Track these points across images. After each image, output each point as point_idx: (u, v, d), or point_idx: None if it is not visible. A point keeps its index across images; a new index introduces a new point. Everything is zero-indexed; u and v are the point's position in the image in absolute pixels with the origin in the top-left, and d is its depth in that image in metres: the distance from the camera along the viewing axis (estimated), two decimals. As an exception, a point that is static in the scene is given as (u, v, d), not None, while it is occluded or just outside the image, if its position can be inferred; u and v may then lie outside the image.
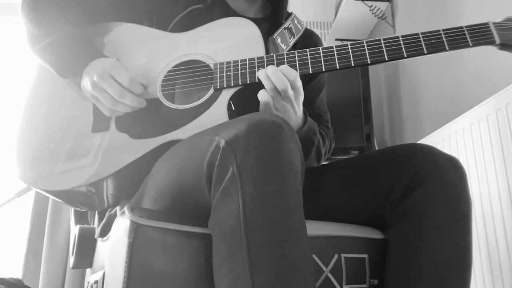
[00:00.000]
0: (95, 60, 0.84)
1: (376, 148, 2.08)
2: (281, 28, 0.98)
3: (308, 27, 1.11)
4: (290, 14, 1.04)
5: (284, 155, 0.59)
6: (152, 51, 0.89)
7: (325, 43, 2.16)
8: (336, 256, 0.75)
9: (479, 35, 0.78)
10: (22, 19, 0.92)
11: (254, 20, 0.91)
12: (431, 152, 0.79)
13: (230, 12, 0.99)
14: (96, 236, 0.92)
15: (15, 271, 2.03)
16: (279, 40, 0.96)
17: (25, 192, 1.21)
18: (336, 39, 2.41)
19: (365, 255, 0.78)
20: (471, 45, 0.77)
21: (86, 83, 0.83)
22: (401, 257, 0.75)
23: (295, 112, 0.81)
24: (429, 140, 1.54)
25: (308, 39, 1.06)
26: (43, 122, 0.88)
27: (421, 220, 0.75)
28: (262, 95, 0.77)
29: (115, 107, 0.81)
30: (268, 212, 0.56)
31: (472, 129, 1.30)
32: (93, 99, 0.83)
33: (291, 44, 0.98)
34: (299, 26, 1.03)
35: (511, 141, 1.14)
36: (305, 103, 0.86)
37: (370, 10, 2.18)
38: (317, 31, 2.58)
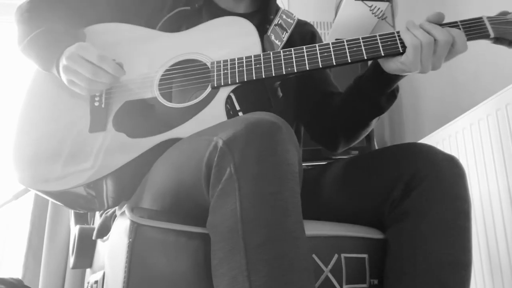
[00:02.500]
0: (67, 49, 0.84)
1: (376, 148, 2.08)
2: (272, 26, 0.98)
3: (308, 27, 1.11)
4: (278, 10, 1.05)
5: (282, 156, 0.59)
6: (149, 51, 0.89)
7: (325, 43, 2.15)
8: (336, 256, 0.75)
9: (473, 29, 0.78)
10: (15, 21, 0.94)
11: (244, 15, 0.91)
12: (430, 152, 0.79)
13: (219, 11, 0.99)
14: (93, 237, 0.92)
15: (15, 271, 2.03)
16: (273, 37, 0.97)
17: (23, 194, 1.20)
18: (336, 39, 2.40)
19: (365, 255, 0.78)
20: (466, 39, 0.77)
21: (60, 69, 0.84)
22: (401, 257, 0.75)
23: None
24: (429, 140, 1.54)
25: (303, 28, 1.07)
26: (40, 123, 0.87)
27: (421, 219, 0.75)
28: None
29: (92, 86, 0.82)
30: (266, 213, 0.56)
31: (472, 129, 1.30)
32: (69, 84, 0.84)
33: (285, 39, 0.98)
34: (289, 20, 1.03)
35: (511, 141, 1.14)
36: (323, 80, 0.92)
37: (370, 10, 2.17)
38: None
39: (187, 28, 0.92)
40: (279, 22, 1.00)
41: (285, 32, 0.99)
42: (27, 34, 0.89)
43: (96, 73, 0.80)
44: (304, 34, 1.06)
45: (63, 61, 0.82)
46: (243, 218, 0.56)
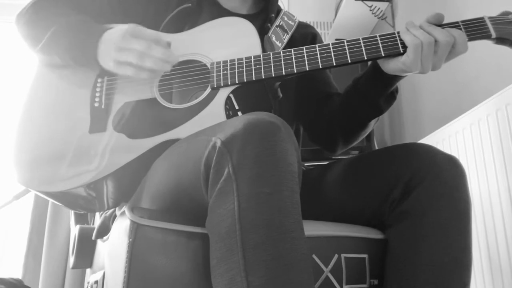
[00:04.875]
0: (107, 31, 0.82)
1: (376, 148, 2.08)
2: (273, 27, 0.98)
3: (308, 27, 1.11)
4: (280, 11, 1.05)
5: (281, 156, 0.59)
6: None
7: (325, 43, 2.16)
8: (336, 256, 0.75)
9: (475, 29, 0.78)
10: (19, 31, 0.92)
11: (247, 16, 0.91)
12: (430, 152, 0.79)
13: (222, 11, 0.99)
14: (93, 237, 0.92)
15: (15, 271, 2.03)
16: (273, 38, 0.96)
17: (23, 195, 1.20)
18: (336, 39, 2.40)
19: (365, 255, 0.78)
20: (467, 39, 0.77)
21: (106, 51, 0.80)
22: (401, 257, 0.75)
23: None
24: (429, 140, 1.54)
25: (304, 30, 1.06)
26: (41, 124, 0.87)
27: (421, 219, 0.75)
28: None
29: (143, 62, 0.77)
30: (264, 213, 0.56)
31: (472, 129, 1.30)
32: (115, 66, 0.80)
33: (285, 41, 0.98)
34: (290, 22, 1.03)
35: (511, 141, 1.14)
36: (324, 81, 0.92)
37: (370, 10, 2.17)
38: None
39: (191, 26, 0.91)
40: (280, 24, 1.00)
41: (286, 34, 0.99)
42: (42, 33, 0.86)
43: (151, 47, 0.77)
44: (305, 35, 1.06)
45: (114, 42, 0.78)
46: (241, 218, 0.56)
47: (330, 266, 0.74)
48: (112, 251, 0.76)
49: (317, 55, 0.80)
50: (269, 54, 0.81)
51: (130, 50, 0.77)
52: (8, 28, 2.43)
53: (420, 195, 0.76)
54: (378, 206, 0.81)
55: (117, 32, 0.80)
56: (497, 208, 1.18)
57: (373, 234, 0.81)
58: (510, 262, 1.13)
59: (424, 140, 1.57)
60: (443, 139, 1.45)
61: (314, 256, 0.73)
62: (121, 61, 0.79)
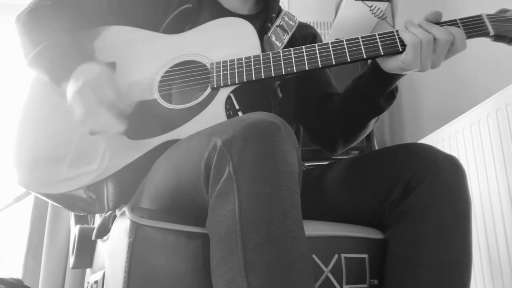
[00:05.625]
0: (84, 64, 0.82)
1: (376, 148, 2.08)
2: (274, 27, 0.98)
3: (308, 27, 1.11)
4: (280, 11, 1.05)
5: (281, 156, 0.59)
6: (148, 53, 0.89)
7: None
8: (336, 256, 0.75)
9: (473, 27, 0.78)
10: (16, 33, 0.92)
11: (247, 17, 0.91)
12: (430, 152, 0.79)
13: (222, 11, 0.99)
14: (93, 237, 0.92)
15: (15, 271, 2.03)
16: (273, 38, 0.96)
17: (24, 197, 1.20)
18: (336, 39, 2.40)
19: (365, 255, 0.78)
20: (465, 37, 0.77)
21: (70, 86, 0.81)
22: (401, 257, 0.75)
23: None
24: (429, 140, 1.54)
25: (304, 30, 1.06)
26: (41, 125, 0.87)
27: (421, 219, 0.75)
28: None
29: (87, 118, 0.78)
30: (264, 213, 0.56)
31: (472, 129, 1.30)
32: (71, 101, 0.80)
33: (285, 41, 0.98)
34: (290, 22, 1.03)
35: (511, 141, 1.14)
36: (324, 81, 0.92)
37: (370, 10, 2.17)
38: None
39: (191, 27, 0.91)
40: (280, 24, 1.00)
41: (286, 34, 0.99)
42: (33, 46, 0.87)
43: (95, 113, 0.77)
44: (305, 36, 1.05)
45: (78, 84, 0.79)
46: (241, 218, 0.56)
47: (330, 266, 0.74)
48: (112, 251, 0.76)
49: (316, 54, 0.80)
50: (269, 54, 0.81)
51: (83, 99, 0.77)
52: (8, 28, 2.43)
53: (420, 195, 0.75)
54: (378, 206, 0.81)
55: (86, 72, 0.79)
56: (497, 208, 1.18)
57: (373, 234, 0.81)
58: (510, 262, 1.13)
59: (424, 140, 1.57)
60: (443, 139, 1.45)
61: (314, 256, 0.73)
62: (74, 104, 0.79)
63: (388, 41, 0.78)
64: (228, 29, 0.89)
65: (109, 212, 0.88)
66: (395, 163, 0.81)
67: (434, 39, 0.75)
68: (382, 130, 2.34)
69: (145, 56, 0.89)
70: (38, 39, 0.88)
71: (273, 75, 0.80)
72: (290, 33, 1.01)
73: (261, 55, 0.82)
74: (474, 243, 1.24)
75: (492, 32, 0.78)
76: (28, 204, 2.09)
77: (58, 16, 0.92)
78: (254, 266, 0.54)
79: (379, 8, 2.19)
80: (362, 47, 0.79)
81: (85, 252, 1.01)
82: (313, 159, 1.75)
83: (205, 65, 0.85)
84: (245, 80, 0.80)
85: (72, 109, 0.80)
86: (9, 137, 0.88)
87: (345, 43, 0.80)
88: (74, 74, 0.81)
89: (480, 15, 0.79)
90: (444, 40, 0.75)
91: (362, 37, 0.79)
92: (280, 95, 0.92)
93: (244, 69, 0.81)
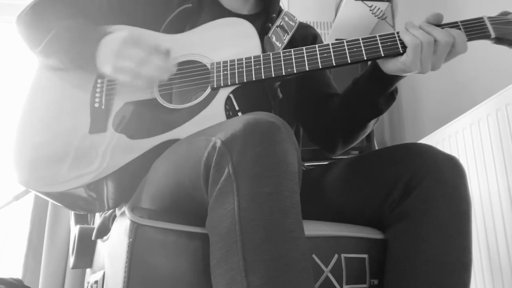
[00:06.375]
0: (107, 36, 0.82)
1: (376, 148, 2.08)
2: (274, 27, 0.98)
3: (308, 27, 1.11)
4: (281, 11, 1.05)
5: (280, 156, 0.59)
6: None
7: (325, 43, 2.16)
8: (336, 256, 0.75)
9: (474, 29, 0.78)
10: (19, 32, 0.92)
11: (248, 17, 0.91)
12: (430, 152, 0.79)
13: (223, 11, 0.99)
14: (93, 237, 0.92)
15: (15, 271, 2.03)
16: (273, 39, 0.96)
17: (23, 195, 1.20)
18: (336, 39, 2.41)
19: (365, 255, 0.78)
20: (467, 39, 0.77)
21: (105, 56, 0.80)
22: (401, 257, 0.75)
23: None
24: (429, 140, 1.54)
25: (305, 31, 1.06)
26: (41, 124, 0.87)
27: (421, 219, 0.75)
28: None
29: (141, 70, 0.78)
30: (263, 213, 0.56)
31: (472, 129, 1.30)
32: (113, 71, 0.80)
33: (285, 41, 0.98)
34: (291, 22, 1.03)
35: (511, 141, 1.14)
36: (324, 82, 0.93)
37: (370, 10, 2.18)
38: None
39: (191, 27, 0.91)
40: (281, 24, 1.00)
41: (286, 34, 0.99)
42: (42, 35, 0.87)
43: (151, 53, 0.78)
44: (305, 36, 1.05)
45: (115, 45, 0.79)
46: (241, 218, 0.56)
47: (330, 266, 0.74)
48: (112, 251, 0.76)
49: (317, 55, 0.80)
50: (269, 55, 0.81)
51: (129, 56, 0.78)
52: (8, 28, 2.43)
53: (420, 195, 0.75)
54: (378, 206, 0.81)
55: (117, 37, 0.80)
56: (497, 208, 1.18)
57: (373, 234, 0.81)
58: (510, 262, 1.13)
59: (424, 140, 1.57)
60: (443, 139, 1.45)
61: (314, 256, 0.73)
62: (119, 67, 0.79)
63: (389, 43, 0.78)
64: (229, 29, 0.89)
65: (109, 212, 0.89)
66: (395, 163, 0.81)
67: (435, 41, 0.75)
68: (382, 130, 2.34)
69: None
70: (47, 26, 0.87)
71: (273, 75, 0.80)
72: (291, 34, 1.00)
73: (261, 56, 0.82)
74: (474, 243, 1.24)
75: (493, 35, 0.78)
76: (28, 203, 2.09)
77: (61, 8, 0.92)
78: (254, 266, 0.54)
79: (379, 8, 2.19)
80: (363, 48, 0.79)
81: (85, 252, 1.01)
82: (313, 159, 1.75)
83: (205, 65, 0.85)
84: (245, 81, 0.80)
85: (121, 71, 0.79)
86: (9, 136, 0.88)
87: (345, 44, 0.80)
88: (103, 42, 0.80)
89: (481, 18, 0.79)
90: (444, 42, 0.75)
91: (362, 39, 0.79)
92: (280, 95, 0.92)
93: (244, 69, 0.81)
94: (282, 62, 0.80)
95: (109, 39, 0.81)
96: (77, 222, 1.11)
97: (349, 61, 0.79)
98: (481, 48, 1.44)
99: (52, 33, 0.86)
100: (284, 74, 0.80)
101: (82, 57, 0.84)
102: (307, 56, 0.80)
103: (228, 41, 0.87)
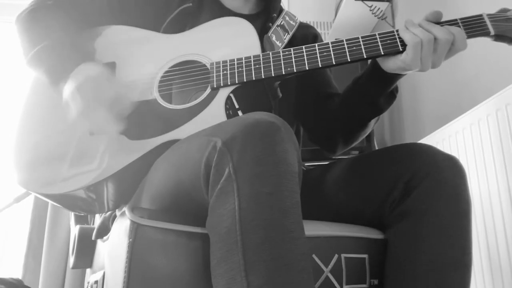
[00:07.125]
0: (82, 65, 0.82)
1: (376, 148, 2.08)
2: (274, 26, 0.98)
3: (308, 27, 1.11)
4: (282, 11, 1.04)
5: (281, 156, 0.59)
6: (148, 53, 0.89)
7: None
8: (336, 256, 0.75)
9: (473, 26, 0.78)
10: (16, 32, 0.92)
11: (248, 16, 0.90)
12: (430, 152, 0.79)
13: (223, 10, 0.99)
14: (93, 237, 0.92)
15: (15, 271, 2.03)
16: (273, 38, 0.96)
17: (24, 197, 1.20)
18: (336, 39, 2.41)
19: (365, 255, 0.78)
20: (466, 37, 0.77)
21: (68, 86, 0.80)
22: (401, 257, 0.75)
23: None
24: (429, 140, 1.54)
25: (305, 31, 1.06)
26: (41, 125, 0.87)
27: (421, 219, 0.75)
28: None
29: (85, 118, 0.78)
30: (264, 213, 0.56)
31: (472, 129, 1.30)
32: (70, 97, 0.80)
33: (286, 41, 0.98)
34: (291, 22, 1.03)
35: (511, 141, 1.14)
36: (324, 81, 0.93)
37: (370, 10, 2.17)
38: (317, 31, 2.58)
39: (191, 27, 0.91)
40: (281, 23, 1.00)
41: (286, 34, 0.99)
42: (33, 45, 0.87)
43: (95, 108, 0.77)
44: (306, 36, 1.05)
45: (76, 83, 0.79)
46: (241, 218, 0.56)
47: (330, 266, 0.74)
48: (112, 251, 0.76)
49: (316, 54, 0.80)
50: (269, 54, 0.81)
51: (83, 99, 0.77)
52: (8, 28, 2.43)
53: (420, 195, 0.75)
54: (378, 206, 0.81)
55: (85, 73, 0.79)
56: (497, 208, 1.18)
57: (373, 234, 0.81)
58: (510, 262, 1.13)
59: (424, 140, 1.57)
60: (443, 139, 1.45)
61: (314, 256, 0.73)
62: (70, 104, 0.79)
63: (388, 41, 0.78)
64: (228, 29, 0.88)
65: (109, 212, 0.88)
66: (395, 163, 0.81)
67: (435, 38, 0.75)
68: (382, 130, 2.34)
69: (145, 56, 0.89)
70: (37, 39, 0.87)
71: (273, 75, 0.80)
72: (291, 33, 1.00)
73: (261, 55, 0.82)
74: (474, 243, 1.24)
75: (492, 32, 0.78)
76: (28, 204, 2.09)
77: (58, 16, 0.92)
78: (254, 266, 0.54)
79: (379, 8, 2.19)
80: (362, 47, 0.79)
81: (85, 252, 1.01)
82: (313, 159, 1.75)
83: (205, 65, 0.85)
84: (245, 80, 0.80)
85: (70, 109, 0.79)
86: (9, 137, 0.88)
87: (345, 43, 0.79)
88: (73, 74, 0.81)
89: (480, 15, 0.79)
90: (444, 40, 0.75)
91: (362, 37, 0.79)
92: (280, 95, 0.92)
93: (244, 69, 0.81)
94: (282, 62, 0.80)
95: (79, 70, 0.81)
96: (77, 222, 1.11)
97: (349, 60, 0.79)
98: (481, 47, 1.44)
99: (39, 47, 0.85)
100: (284, 73, 0.79)
101: (56, 79, 0.84)
102: (306, 55, 0.80)
103: (228, 41, 0.87)
